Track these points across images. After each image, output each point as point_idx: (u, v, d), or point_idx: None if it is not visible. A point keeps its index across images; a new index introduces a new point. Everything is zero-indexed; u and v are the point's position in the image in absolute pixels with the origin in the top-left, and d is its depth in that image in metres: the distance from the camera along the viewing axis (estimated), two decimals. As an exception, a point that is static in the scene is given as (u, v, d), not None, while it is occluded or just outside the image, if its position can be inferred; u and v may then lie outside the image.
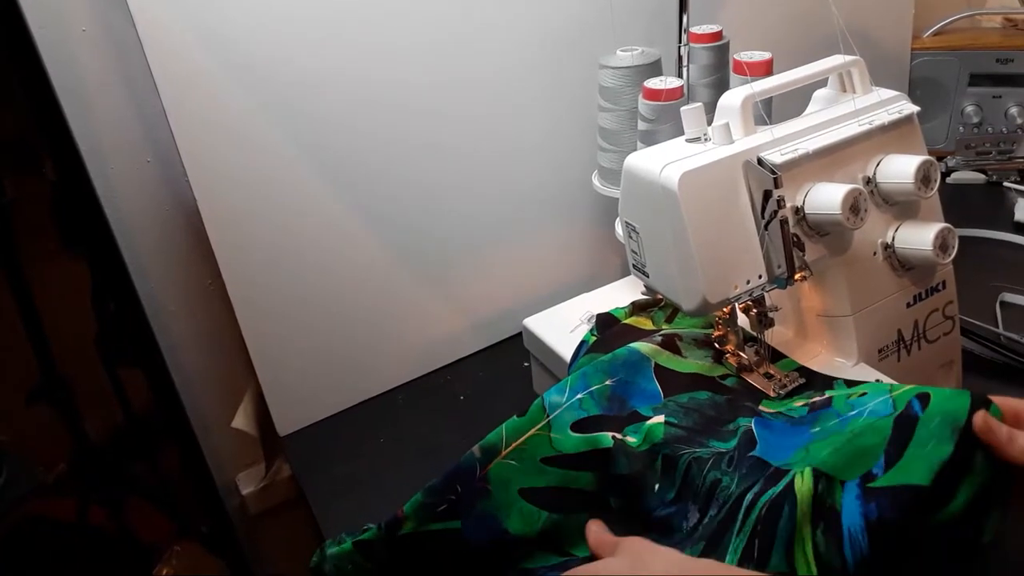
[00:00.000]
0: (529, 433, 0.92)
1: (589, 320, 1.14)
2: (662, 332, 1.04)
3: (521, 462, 0.91)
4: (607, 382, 0.95)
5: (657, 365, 0.98)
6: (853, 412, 0.83)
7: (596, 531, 0.86)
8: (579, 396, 0.94)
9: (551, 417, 0.93)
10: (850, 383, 0.94)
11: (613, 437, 0.89)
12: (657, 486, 0.87)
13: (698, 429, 0.90)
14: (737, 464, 0.84)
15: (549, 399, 0.94)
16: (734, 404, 0.94)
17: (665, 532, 0.85)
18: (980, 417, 0.72)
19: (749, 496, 0.79)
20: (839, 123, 0.96)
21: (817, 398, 0.91)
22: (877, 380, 0.94)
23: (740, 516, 0.78)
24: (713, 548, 0.79)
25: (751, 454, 0.83)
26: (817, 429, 0.85)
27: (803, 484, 0.75)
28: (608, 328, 1.10)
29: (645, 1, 1.32)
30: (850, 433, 0.78)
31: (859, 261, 0.97)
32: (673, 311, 1.10)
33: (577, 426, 0.92)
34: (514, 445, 0.91)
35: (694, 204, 0.87)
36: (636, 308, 1.11)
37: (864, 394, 0.85)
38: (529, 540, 0.90)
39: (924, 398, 0.76)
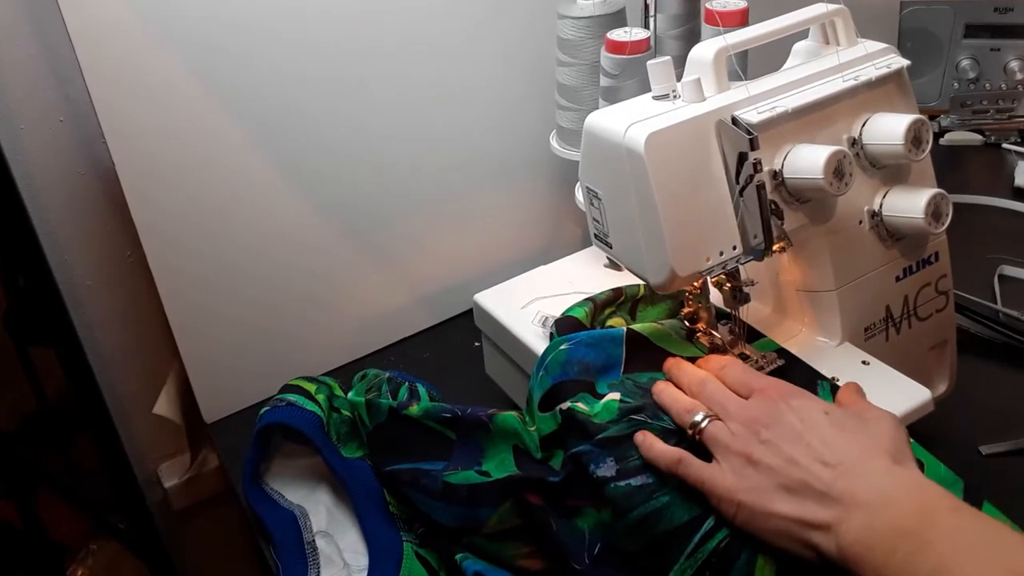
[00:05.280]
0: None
1: (543, 323, 1.10)
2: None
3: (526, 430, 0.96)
4: (562, 347, 0.96)
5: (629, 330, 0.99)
6: None
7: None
8: (539, 375, 0.96)
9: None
10: (835, 388, 0.93)
11: (560, 410, 0.91)
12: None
13: (653, 404, 0.90)
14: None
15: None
16: None
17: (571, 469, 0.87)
18: None
19: (709, 523, 0.81)
20: (821, 79, 0.95)
21: None
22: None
23: (695, 540, 0.81)
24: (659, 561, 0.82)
25: None
26: None
27: None
28: (572, 331, 1.04)
29: (609, -57, 1.31)
30: None
31: (843, 230, 0.97)
32: (633, 304, 1.08)
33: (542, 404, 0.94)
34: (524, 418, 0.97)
35: (662, 168, 0.87)
36: (597, 306, 1.07)
37: None
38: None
39: None
